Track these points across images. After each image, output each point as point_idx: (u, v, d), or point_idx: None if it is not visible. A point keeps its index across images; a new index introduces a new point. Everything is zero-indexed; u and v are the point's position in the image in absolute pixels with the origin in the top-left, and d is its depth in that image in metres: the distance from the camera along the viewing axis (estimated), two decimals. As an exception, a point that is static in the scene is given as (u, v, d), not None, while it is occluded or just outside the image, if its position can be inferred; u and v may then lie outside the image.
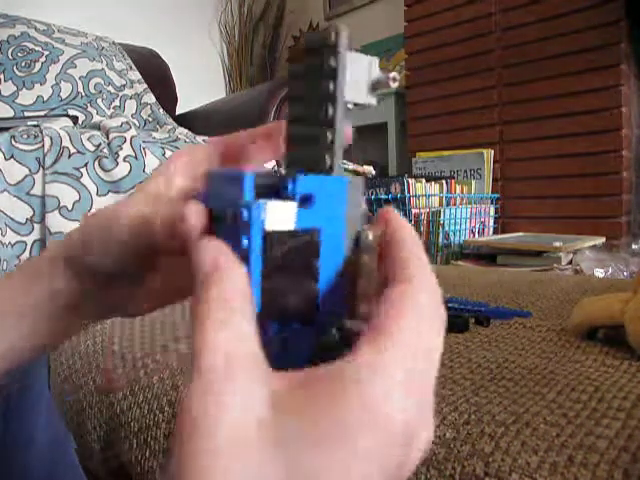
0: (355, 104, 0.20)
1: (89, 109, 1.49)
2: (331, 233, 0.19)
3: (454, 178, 1.81)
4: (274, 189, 0.18)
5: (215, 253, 0.17)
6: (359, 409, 0.15)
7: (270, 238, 0.18)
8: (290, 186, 0.18)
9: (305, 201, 0.18)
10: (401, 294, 0.18)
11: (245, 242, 0.17)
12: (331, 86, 0.19)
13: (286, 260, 0.18)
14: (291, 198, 0.18)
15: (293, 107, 0.20)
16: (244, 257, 0.17)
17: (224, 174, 0.20)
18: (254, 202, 0.17)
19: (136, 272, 0.25)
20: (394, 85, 0.21)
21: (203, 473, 0.14)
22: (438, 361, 0.19)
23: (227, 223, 0.18)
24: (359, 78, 0.20)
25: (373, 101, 0.21)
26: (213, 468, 0.14)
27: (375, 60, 0.21)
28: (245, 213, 0.17)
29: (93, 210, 0.98)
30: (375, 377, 0.16)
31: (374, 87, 0.21)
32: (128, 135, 1.05)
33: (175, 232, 0.20)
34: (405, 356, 0.17)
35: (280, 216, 0.18)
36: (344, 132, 0.20)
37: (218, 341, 0.15)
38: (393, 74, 0.20)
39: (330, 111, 0.19)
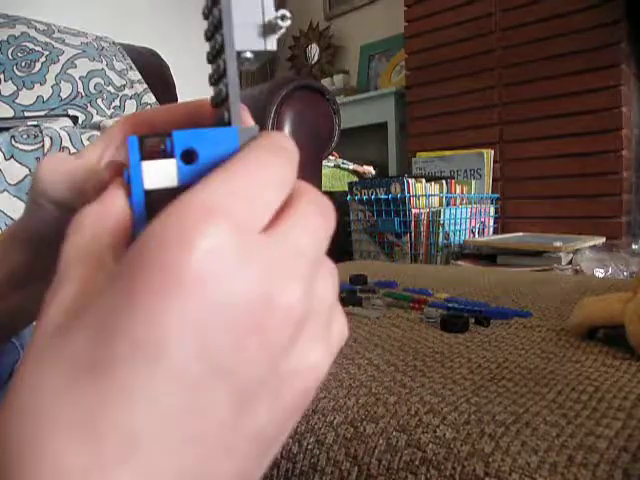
0: (254, 52, 0.19)
1: (89, 109, 1.49)
2: None
3: (454, 178, 1.81)
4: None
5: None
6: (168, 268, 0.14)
7: (150, 197, 0.18)
8: (167, 144, 0.18)
9: (188, 157, 0.18)
10: None
11: (129, 204, 0.18)
12: (219, 38, 0.19)
13: None
14: (172, 156, 0.18)
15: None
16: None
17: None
18: (135, 166, 0.18)
19: None
20: (285, 24, 0.19)
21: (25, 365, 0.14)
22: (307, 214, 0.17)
23: None
24: (249, 23, 0.19)
25: (272, 46, 0.20)
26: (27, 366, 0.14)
27: (268, 1, 0.19)
28: (125, 175, 0.18)
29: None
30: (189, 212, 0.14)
31: (267, 31, 0.19)
32: (128, 135, 1.05)
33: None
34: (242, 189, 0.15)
35: (159, 174, 0.18)
36: (238, 83, 0.19)
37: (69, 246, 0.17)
38: (282, 11, 0.19)
39: (221, 64, 0.19)
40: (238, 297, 0.14)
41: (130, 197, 0.18)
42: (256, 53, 0.19)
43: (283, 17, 0.19)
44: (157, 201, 0.17)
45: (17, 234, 0.26)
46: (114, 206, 0.18)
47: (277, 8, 0.19)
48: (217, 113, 0.19)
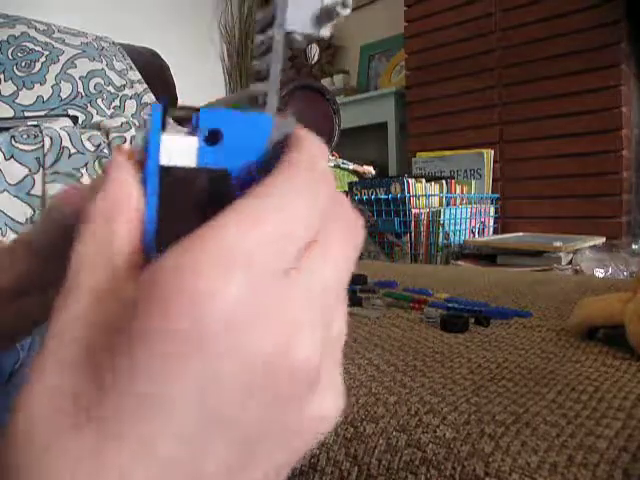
0: (304, 34, 0.18)
1: (89, 109, 1.49)
2: (245, 174, 0.17)
3: (454, 178, 1.81)
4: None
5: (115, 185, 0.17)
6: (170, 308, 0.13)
7: (164, 173, 0.16)
8: (194, 120, 0.16)
9: (213, 137, 0.16)
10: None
11: (142, 176, 0.16)
12: (271, 11, 0.17)
13: (184, 198, 0.17)
14: (195, 133, 0.16)
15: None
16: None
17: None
18: (154, 134, 0.16)
19: None
20: (344, 12, 0.18)
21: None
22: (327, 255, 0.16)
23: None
24: (306, 4, 0.18)
25: (325, 32, 0.18)
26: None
27: None
28: (143, 146, 0.16)
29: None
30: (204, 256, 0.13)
31: (324, 16, 0.18)
32: (128, 135, 1.05)
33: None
34: (261, 233, 0.14)
35: (179, 151, 0.16)
36: (280, 65, 0.17)
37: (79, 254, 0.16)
38: None
39: (266, 41, 0.18)
40: (253, 355, 0.14)
41: (143, 171, 0.16)
42: (306, 36, 0.18)
43: (344, 4, 0.18)
44: (171, 179, 0.16)
45: (28, 241, 0.26)
46: (121, 196, 0.16)
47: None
48: (252, 86, 0.18)
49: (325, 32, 0.18)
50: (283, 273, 0.15)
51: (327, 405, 0.16)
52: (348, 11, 0.18)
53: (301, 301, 0.15)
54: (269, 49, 0.17)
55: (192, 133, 0.16)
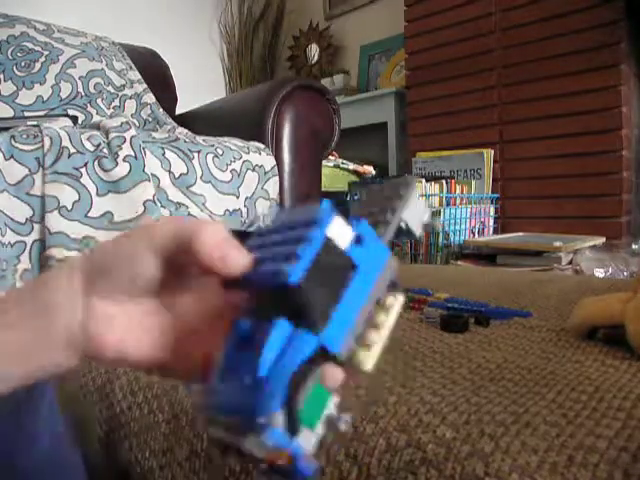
0: (405, 224, 0.27)
1: (89, 109, 1.49)
2: (361, 278, 0.23)
3: (454, 178, 1.81)
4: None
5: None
6: None
7: (324, 242, 0.22)
8: (354, 222, 0.23)
9: (357, 240, 0.23)
10: None
11: (309, 234, 0.21)
12: (399, 203, 0.26)
13: (324, 269, 0.22)
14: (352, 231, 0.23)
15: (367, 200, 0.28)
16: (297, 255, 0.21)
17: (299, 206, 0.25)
18: (328, 211, 0.22)
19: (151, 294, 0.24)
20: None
21: None
22: None
23: (291, 231, 0.23)
24: (415, 212, 0.27)
25: (418, 233, 0.28)
26: None
27: (428, 211, 0.28)
28: (319, 214, 0.22)
29: (93, 210, 0.98)
30: None
31: (422, 225, 0.28)
32: (128, 135, 1.05)
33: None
34: None
35: (340, 232, 0.22)
36: (394, 230, 0.26)
37: None
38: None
39: (393, 212, 0.26)
40: None
41: (315, 231, 0.21)
42: (406, 226, 0.27)
43: (425, 227, 0.28)
44: (323, 245, 0.22)
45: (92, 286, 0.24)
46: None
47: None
48: (369, 214, 0.26)
49: (418, 233, 0.28)
50: None
51: None
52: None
53: None
54: (384, 221, 0.26)
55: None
